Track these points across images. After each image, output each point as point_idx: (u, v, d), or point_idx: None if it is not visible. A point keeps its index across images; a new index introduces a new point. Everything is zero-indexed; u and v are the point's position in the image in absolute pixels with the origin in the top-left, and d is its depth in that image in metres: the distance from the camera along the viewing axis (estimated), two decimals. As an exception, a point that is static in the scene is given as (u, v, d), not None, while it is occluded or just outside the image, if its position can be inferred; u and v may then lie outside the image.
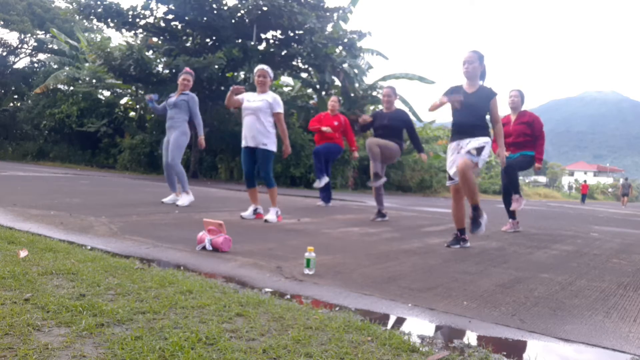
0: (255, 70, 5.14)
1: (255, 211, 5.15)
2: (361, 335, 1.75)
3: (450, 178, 4.17)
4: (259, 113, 4.98)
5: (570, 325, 2.10)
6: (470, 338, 1.88)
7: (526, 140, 5.62)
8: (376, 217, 6.00)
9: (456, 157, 4.08)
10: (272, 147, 5.02)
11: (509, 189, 5.82)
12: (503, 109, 6.03)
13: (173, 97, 6.01)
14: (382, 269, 3.03)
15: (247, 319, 1.85)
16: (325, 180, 7.14)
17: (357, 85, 16.94)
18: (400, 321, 2.08)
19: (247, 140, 5.03)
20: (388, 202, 6.06)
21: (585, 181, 41.02)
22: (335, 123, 7.09)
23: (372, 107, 18.18)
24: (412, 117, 6.25)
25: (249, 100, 5.07)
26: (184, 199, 5.87)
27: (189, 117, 5.96)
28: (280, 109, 5.07)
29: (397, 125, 5.85)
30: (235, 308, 1.95)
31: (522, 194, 5.99)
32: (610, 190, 55.12)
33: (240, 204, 6.13)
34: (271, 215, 4.97)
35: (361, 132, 6.62)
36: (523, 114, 5.71)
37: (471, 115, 4.03)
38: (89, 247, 3.12)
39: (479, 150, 3.95)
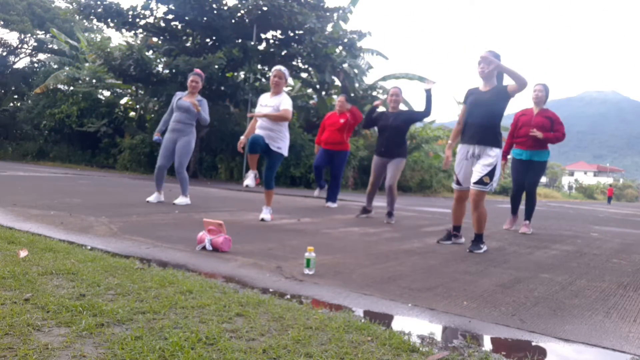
0: (272, 70, 5.10)
1: (255, 176, 5.12)
2: (361, 335, 1.75)
3: (458, 183, 4.10)
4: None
5: (570, 325, 2.10)
6: (470, 338, 1.87)
7: (544, 135, 5.57)
8: (360, 213, 6.20)
9: (465, 164, 4.01)
10: (286, 151, 5.07)
11: (521, 190, 5.83)
12: (526, 103, 6.00)
13: (184, 100, 5.83)
14: (382, 269, 3.03)
15: (247, 319, 1.85)
16: (325, 193, 7.37)
17: (357, 85, 16.94)
18: (400, 321, 2.08)
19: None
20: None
21: (610, 185, 44.53)
22: (342, 120, 7.12)
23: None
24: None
25: (262, 104, 5.05)
26: (181, 200, 5.88)
27: (196, 122, 5.92)
28: (285, 106, 4.93)
29: (401, 126, 5.84)
30: (235, 308, 1.95)
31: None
32: (610, 190, 55.30)
33: (240, 204, 6.13)
34: (267, 214, 5.01)
35: (365, 128, 6.70)
36: (547, 110, 5.67)
37: (483, 115, 3.93)
38: (89, 247, 3.12)
39: (491, 174, 3.87)
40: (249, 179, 5.09)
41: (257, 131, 5.02)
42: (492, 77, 3.97)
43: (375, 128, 6.17)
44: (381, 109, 6.28)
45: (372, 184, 6.05)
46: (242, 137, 5.22)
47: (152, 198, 5.90)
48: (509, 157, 6.09)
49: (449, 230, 4.32)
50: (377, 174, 5.96)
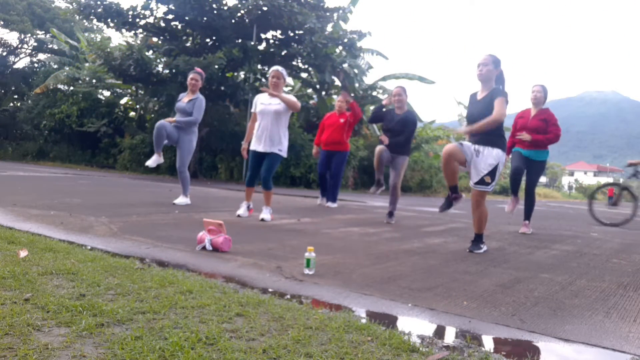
0: (270, 71, 5.13)
1: (248, 207, 5.23)
2: (361, 335, 1.75)
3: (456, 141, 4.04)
4: (278, 116, 4.99)
5: (570, 325, 2.10)
6: (470, 338, 1.87)
7: (533, 137, 5.51)
8: (376, 187, 6.07)
9: (468, 147, 3.97)
10: (285, 153, 5.10)
11: (518, 172, 5.76)
12: (524, 104, 5.90)
13: (183, 101, 5.91)
14: (382, 269, 3.03)
15: (247, 319, 1.85)
16: (333, 204, 7.31)
17: (357, 85, 16.93)
18: (400, 321, 2.08)
19: (260, 143, 5.02)
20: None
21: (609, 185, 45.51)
22: (342, 120, 7.13)
23: (371, 107, 18.18)
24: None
25: (264, 103, 5.06)
26: (181, 200, 5.90)
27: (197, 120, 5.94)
28: (294, 98, 5.13)
29: (405, 129, 5.75)
30: (235, 308, 1.95)
31: (519, 195, 5.99)
32: (610, 190, 55.27)
33: (240, 204, 6.12)
34: (267, 215, 5.03)
35: (370, 122, 6.65)
36: (544, 111, 5.59)
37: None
38: (89, 247, 3.12)
39: (493, 174, 3.85)
40: (242, 210, 5.17)
41: (258, 135, 5.02)
42: (490, 80, 3.91)
43: (375, 127, 6.17)
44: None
45: (377, 158, 5.77)
46: (243, 144, 5.25)
47: (152, 161, 5.90)
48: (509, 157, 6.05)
49: (448, 195, 4.21)
50: (379, 154, 5.75)
